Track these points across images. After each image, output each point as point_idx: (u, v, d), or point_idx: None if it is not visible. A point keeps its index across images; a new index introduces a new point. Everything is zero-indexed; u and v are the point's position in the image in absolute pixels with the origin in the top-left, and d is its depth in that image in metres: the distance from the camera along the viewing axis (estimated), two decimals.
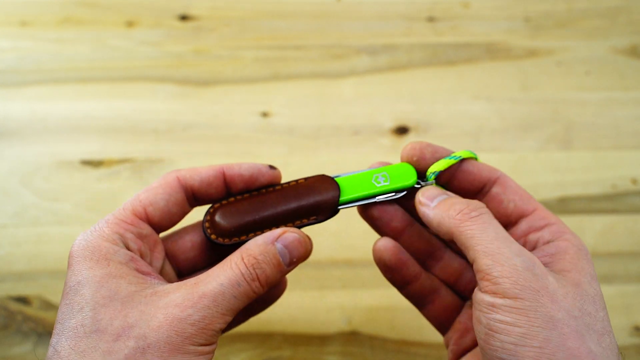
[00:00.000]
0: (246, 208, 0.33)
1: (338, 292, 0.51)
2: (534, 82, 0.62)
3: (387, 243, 0.35)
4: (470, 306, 0.36)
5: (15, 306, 0.49)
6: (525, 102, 0.61)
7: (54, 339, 0.27)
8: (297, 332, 0.49)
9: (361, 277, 0.51)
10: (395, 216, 0.35)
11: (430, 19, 0.66)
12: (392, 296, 0.50)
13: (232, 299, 0.28)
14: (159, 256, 0.33)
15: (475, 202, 0.30)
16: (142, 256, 0.31)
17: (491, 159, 0.57)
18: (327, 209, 0.33)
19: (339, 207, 0.34)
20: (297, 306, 0.50)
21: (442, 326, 0.37)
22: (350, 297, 0.50)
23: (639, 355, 0.48)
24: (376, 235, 0.36)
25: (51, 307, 0.50)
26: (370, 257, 0.36)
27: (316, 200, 0.33)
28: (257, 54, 0.64)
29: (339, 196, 0.33)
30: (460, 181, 0.34)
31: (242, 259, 0.29)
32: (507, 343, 0.25)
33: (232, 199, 0.34)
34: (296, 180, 0.34)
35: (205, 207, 0.35)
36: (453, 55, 0.64)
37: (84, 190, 0.55)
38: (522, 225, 0.32)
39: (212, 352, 0.28)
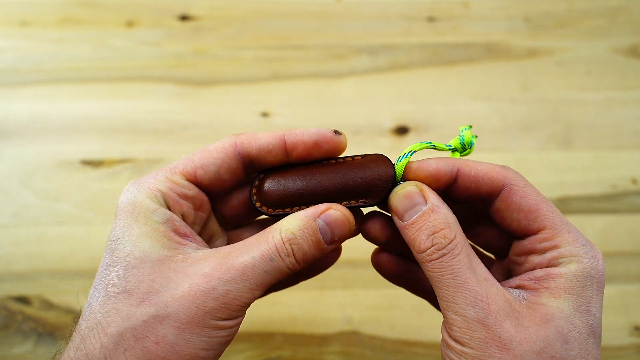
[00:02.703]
0: (295, 180, 0.31)
1: (338, 292, 0.51)
2: (534, 82, 0.62)
3: (381, 257, 0.35)
4: None
5: (15, 306, 0.49)
6: (525, 102, 0.61)
7: (90, 291, 0.28)
8: (297, 332, 0.49)
9: (361, 277, 0.51)
10: (381, 233, 0.33)
11: (430, 19, 0.66)
12: (392, 296, 0.50)
13: (263, 273, 0.27)
14: (203, 215, 0.32)
15: (446, 230, 0.28)
16: (183, 217, 0.30)
17: (491, 159, 0.57)
18: (378, 193, 0.31)
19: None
20: (297, 306, 0.50)
21: None
22: (350, 297, 0.50)
23: (638, 355, 0.48)
24: None
25: (51, 307, 0.50)
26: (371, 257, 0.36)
27: (368, 181, 0.31)
28: (257, 54, 0.63)
29: (392, 180, 0.31)
30: (462, 192, 0.31)
31: (280, 232, 0.28)
32: None
33: (283, 169, 0.32)
34: (352, 157, 0.32)
35: None
36: (453, 55, 0.64)
37: (84, 190, 0.55)
38: (526, 244, 0.30)
39: (237, 326, 0.28)
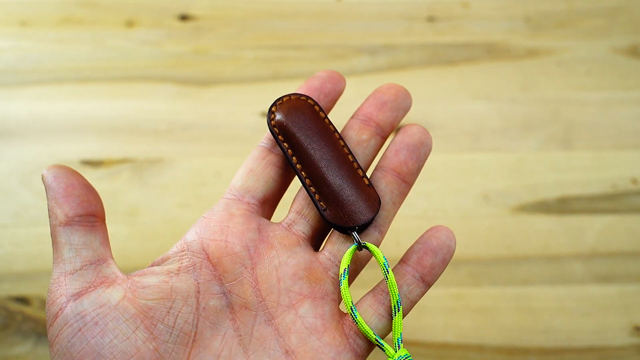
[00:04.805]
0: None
1: None
2: (534, 82, 0.62)
3: None
4: None
5: (15, 306, 0.49)
6: (525, 102, 0.61)
7: None
8: None
9: (361, 277, 0.51)
10: None
11: (430, 19, 0.66)
12: None
13: None
14: None
15: None
16: None
17: (491, 159, 0.57)
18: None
19: None
20: None
21: None
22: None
23: (639, 355, 0.48)
24: None
25: None
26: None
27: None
28: (257, 54, 0.64)
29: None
30: None
31: None
32: None
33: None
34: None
35: None
36: (453, 55, 0.64)
37: None
38: None
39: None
